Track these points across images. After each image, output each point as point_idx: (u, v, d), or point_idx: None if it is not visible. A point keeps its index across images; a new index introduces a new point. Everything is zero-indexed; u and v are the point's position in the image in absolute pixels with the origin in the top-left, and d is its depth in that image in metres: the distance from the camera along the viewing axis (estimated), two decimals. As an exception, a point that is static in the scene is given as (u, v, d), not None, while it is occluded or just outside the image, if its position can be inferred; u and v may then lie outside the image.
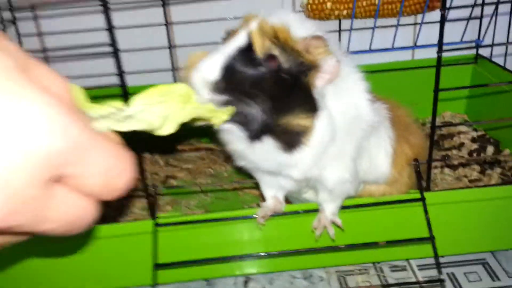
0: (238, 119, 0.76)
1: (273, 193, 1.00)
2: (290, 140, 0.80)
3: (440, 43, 0.85)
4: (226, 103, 0.74)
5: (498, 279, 1.07)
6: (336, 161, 0.87)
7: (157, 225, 0.94)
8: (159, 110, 0.50)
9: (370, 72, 1.56)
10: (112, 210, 1.27)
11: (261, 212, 0.97)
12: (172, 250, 0.99)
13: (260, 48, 0.76)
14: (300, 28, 0.80)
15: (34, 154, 0.32)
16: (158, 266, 0.92)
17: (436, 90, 0.89)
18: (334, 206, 0.97)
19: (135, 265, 1.02)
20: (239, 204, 1.32)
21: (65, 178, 0.35)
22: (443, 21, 0.84)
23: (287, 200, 1.06)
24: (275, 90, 0.77)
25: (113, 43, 0.85)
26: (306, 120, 0.78)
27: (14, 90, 0.31)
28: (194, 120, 0.67)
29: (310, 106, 0.79)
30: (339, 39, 1.56)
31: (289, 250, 0.96)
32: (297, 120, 0.78)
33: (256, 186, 1.06)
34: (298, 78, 0.78)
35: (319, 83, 0.79)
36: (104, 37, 0.90)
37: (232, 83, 0.75)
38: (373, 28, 1.48)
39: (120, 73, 0.86)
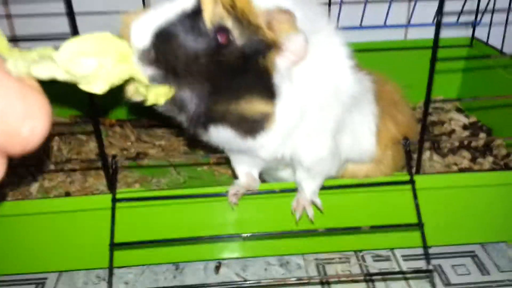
0: (174, 102, 0.65)
1: (246, 170, 0.90)
2: (249, 127, 0.71)
3: (440, 5, 0.76)
4: (158, 79, 0.63)
5: (488, 273, 1.00)
6: (311, 137, 0.78)
7: (116, 200, 0.84)
8: (90, 64, 0.45)
9: (360, 50, 1.49)
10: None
11: (233, 189, 0.87)
12: (133, 230, 0.90)
13: (210, 15, 0.64)
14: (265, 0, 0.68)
15: None
16: (115, 246, 0.82)
17: (433, 60, 0.80)
18: (313, 185, 0.87)
19: (93, 245, 0.93)
20: (213, 185, 1.23)
21: None
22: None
23: (262, 180, 0.96)
24: (222, 71, 0.65)
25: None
26: (265, 106, 0.69)
27: None
28: (132, 92, 0.60)
29: (269, 91, 0.69)
30: (328, 13, 1.46)
31: (263, 232, 0.87)
32: (253, 107, 0.68)
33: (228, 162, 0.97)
34: (254, 59, 0.67)
35: (282, 64, 0.69)
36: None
37: (165, 55, 0.63)
38: (365, 2, 1.39)
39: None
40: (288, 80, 0.70)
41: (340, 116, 0.79)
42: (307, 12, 0.73)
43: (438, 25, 0.78)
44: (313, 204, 0.88)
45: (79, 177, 1.24)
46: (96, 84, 0.45)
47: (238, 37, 0.65)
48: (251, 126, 0.71)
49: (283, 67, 0.69)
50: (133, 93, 0.66)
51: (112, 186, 0.86)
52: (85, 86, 0.45)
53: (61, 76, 0.42)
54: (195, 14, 0.64)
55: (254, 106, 0.68)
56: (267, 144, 0.75)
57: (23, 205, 0.89)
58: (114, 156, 0.88)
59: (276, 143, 0.75)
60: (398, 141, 0.95)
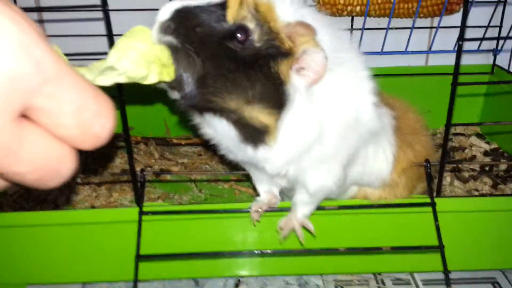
0: (175, 79, 0.66)
1: (267, 188, 0.92)
2: (251, 134, 0.71)
3: (461, 32, 0.78)
4: (170, 48, 0.64)
5: (509, 300, 0.99)
6: (322, 165, 0.77)
7: (143, 213, 0.87)
8: (134, 55, 0.50)
9: (381, 75, 1.51)
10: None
11: (255, 206, 0.89)
12: (158, 242, 0.92)
13: (233, 13, 0.66)
14: (288, 12, 0.69)
15: None
16: (141, 258, 0.85)
17: (454, 84, 0.82)
18: (308, 209, 0.88)
19: (117, 257, 0.95)
20: (234, 202, 1.25)
21: (35, 112, 0.32)
22: (466, 7, 0.77)
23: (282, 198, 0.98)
24: (231, 65, 0.66)
25: (108, 24, 0.79)
26: (266, 118, 0.69)
27: None
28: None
29: (276, 101, 0.68)
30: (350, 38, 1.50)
31: (283, 249, 0.88)
32: (254, 114, 0.68)
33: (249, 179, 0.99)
34: (267, 64, 0.67)
35: (301, 81, 0.69)
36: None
37: (182, 27, 0.65)
38: (387, 28, 1.42)
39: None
40: (305, 98, 0.70)
41: (355, 148, 0.80)
42: (335, 39, 0.74)
43: (460, 50, 0.79)
44: (304, 226, 0.89)
45: (104, 192, 1.27)
46: (151, 76, 0.51)
47: (256, 39, 0.67)
48: (252, 134, 0.71)
49: (302, 83, 0.70)
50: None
51: (139, 199, 0.89)
52: (143, 81, 0.50)
53: (121, 79, 0.46)
54: (220, 7, 0.66)
55: (255, 113, 0.68)
56: (271, 159, 0.74)
57: (51, 215, 0.93)
58: (142, 170, 0.90)
59: (280, 161, 0.75)
60: (414, 168, 0.96)
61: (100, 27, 0.92)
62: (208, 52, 0.65)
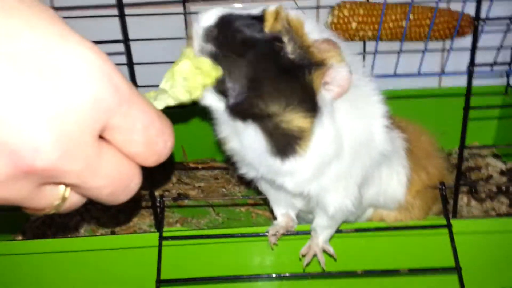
0: (219, 86, 0.69)
1: (284, 211, 0.94)
2: (283, 143, 0.73)
3: (472, 58, 0.80)
4: (214, 56, 0.68)
5: (529, 322, 0.99)
6: (339, 183, 0.80)
7: (163, 238, 0.89)
8: (182, 82, 0.57)
9: (394, 98, 1.53)
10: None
11: (272, 229, 0.91)
12: (177, 267, 0.94)
13: (270, 25, 0.71)
14: (315, 30, 0.75)
15: (85, 97, 0.32)
16: (161, 282, 0.87)
17: (467, 107, 0.83)
18: (327, 233, 0.90)
19: (137, 282, 0.97)
20: (252, 226, 1.26)
21: (111, 131, 0.35)
22: (476, 33, 0.79)
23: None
24: (272, 70, 0.70)
25: (128, 55, 0.83)
26: (303, 120, 0.72)
27: (60, 35, 0.32)
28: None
29: (310, 106, 0.72)
30: (363, 62, 1.52)
31: (301, 273, 0.89)
32: (292, 116, 0.71)
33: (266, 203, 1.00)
34: (301, 72, 0.72)
35: (327, 94, 0.73)
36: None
37: (225, 35, 0.69)
38: (399, 52, 1.44)
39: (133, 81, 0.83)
40: (330, 111, 0.74)
41: (368, 167, 0.82)
42: (352, 62, 0.77)
43: (470, 75, 0.81)
44: (325, 251, 0.90)
45: (123, 217, 1.30)
46: (194, 94, 0.57)
47: (290, 51, 0.71)
48: (285, 142, 0.73)
49: (328, 97, 0.73)
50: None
51: (159, 224, 0.91)
52: (187, 101, 0.56)
53: (171, 102, 0.51)
54: (259, 19, 0.71)
55: (293, 116, 0.71)
56: (296, 173, 0.76)
57: (74, 242, 0.95)
58: (161, 196, 0.93)
59: (305, 175, 0.77)
60: (429, 190, 0.97)
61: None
62: (251, 58, 0.69)
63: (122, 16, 0.80)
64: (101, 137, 0.35)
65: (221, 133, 0.81)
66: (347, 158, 0.77)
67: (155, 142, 0.38)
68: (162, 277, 0.87)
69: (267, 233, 0.91)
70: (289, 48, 0.71)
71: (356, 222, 0.96)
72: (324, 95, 0.73)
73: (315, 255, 0.90)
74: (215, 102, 0.73)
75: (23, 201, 0.35)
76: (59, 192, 0.37)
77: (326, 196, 0.81)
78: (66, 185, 0.36)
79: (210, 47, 0.69)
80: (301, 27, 0.73)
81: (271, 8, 0.72)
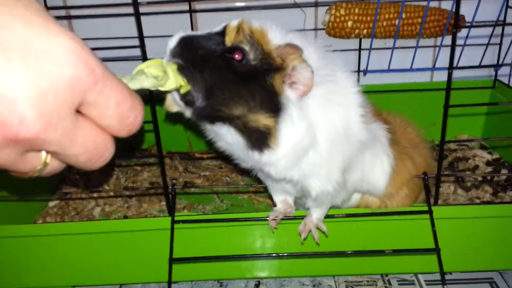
0: (186, 95, 0.78)
1: (282, 198, 1.04)
2: (256, 139, 0.81)
3: (451, 61, 0.89)
4: (179, 69, 0.76)
5: (505, 299, 1.09)
6: (321, 170, 0.87)
7: (175, 221, 0.99)
8: (154, 68, 0.64)
9: (389, 91, 1.62)
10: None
11: (272, 215, 1.01)
12: (187, 248, 1.04)
13: (230, 39, 0.79)
14: (280, 37, 0.82)
15: (63, 78, 0.38)
16: (174, 260, 0.97)
17: (446, 106, 0.93)
18: (320, 212, 0.99)
19: (151, 261, 1.08)
20: (254, 211, 1.36)
21: (87, 106, 0.41)
22: (454, 41, 0.88)
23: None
24: (232, 78, 0.78)
25: (143, 47, 0.91)
26: (267, 120, 0.79)
27: (43, 25, 0.38)
28: (169, 104, 0.82)
29: (272, 107, 0.79)
30: (359, 58, 1.61)
31: (297, 252, 1.00)
32: (256, 117, 0.79)
33: (266, 190, 1.10)
34: (262, 77, 0.79)
35: (293, 93, 0.80)
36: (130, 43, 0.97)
37: (187, 51, 0.77)
38: (392, 48, 1.53)
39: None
40: (298, 108, 0.81)
41: (349, 155, 0.89)
42: (322, 58, 0.85)
43: (450, 77, 0.90)
44: (318, 228, 1.00)
45: (135, 203, 1.40)
46: (168, 84, 0.64)
47: (252, 58, 0.79)
48: (257, 138, 0.80)
49: (294, 95, 0.81)
50: (169, 104, 0.83)
51: (171, 209, 1.01)
52: (162, 88, 0.63)
53: (147, 84, 0.58)
54: (219, 35, 0.80)
55: (257, 116, 0.79)
56: (276, 163, 0.84)
57: (94, 225, 1.05)
58: (173, 184, 1.03)
59: (284, 165, 0.84)
60: (414, 179, 1.05)
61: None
62: (210, 68, 0.78)
63: (137, 15, 0.88)
64: (78, 112, 0.41)
65: (208, 135, 0.91)
66: (324, 147, 0.84)
67: (127, 116, 0.43)
68: (174, 256, 0.98)
69: (267, 218, 1.01)
70: (251, 56, 0.79)
71: (344, 206, 1.06)
72: (290, 95, 0.81)
73: (310, 232, 1.00)
74: (184, 110, 0.82)
75: (10, 165, 0.41)
76: (41, 158, 0.42)
77: (308, 181, 0.89)
78: (47, 152, 0.42)
79: (175, 60, 0.77)
80: (263, 36, 0.80)
81: (233, 22, 0.81)
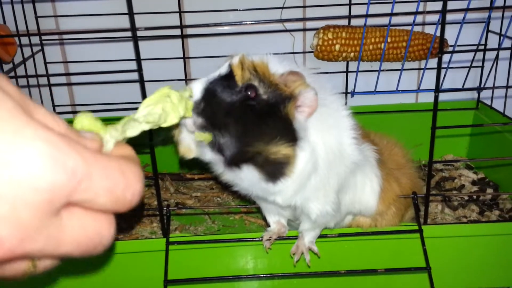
0: (214, 146, 0.82)
1: (276, 219, 1.05)
2: (273, 170, 0.84)
3: (437, 84, 0.93)
4: (203, 128, 0.80)
5: (493, 315, 1.11)
6: (319, 192, 0.90)
7: (169, 243, 1.00)
8: (159, 109, 0.59)
9: (375, 112, 1.66)
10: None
11: (266, 235, 1.02)
12: (182, 268, 1.04)
13: (240, 77, 0.82)
14: (278, 66, 0.86)
15: (38, 188, 0.34)
16: (169, 282, 0.98)
17: (433, 127, 0.96)
18: (312, 234, 1.02)
19: (147, 283, 1.08)
20: (246, 232, 1.37)
21: (74, 203, 0.37)
22: (440, 65, 0.91)
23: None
24: (253, 118, 0.81)
25: (140, 72, 0.93)
26: (287, 149, 0.82)
27: (15, 129, 0.34)
28: (184, 151, 0.82)
29: (291, 135, 0.82)
30: (346, 80, 1.65)
31: (290, 272, 1.01)
32: (278, 149, 0.82)
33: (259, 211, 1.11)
34: (277, 108, 0.82)
35: (300, 116, 0.84)
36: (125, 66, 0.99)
37: (210, 107, 0.81)
38: (379, 71, 1.57)
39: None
40: (304, 132, 0.84)
41: (343, 176, 0.92)
42: (316, 83, 0.88)
43: (436, 100, 0.93)
44: (311, 250, 1.02)
45: (125, 226, 1.40)
46: (170, 118, 0.61)
47: (263, 92, 0.83)
48: (274, 170, 0.83)
49: (302, 118, 0.84)
50: (185, 151, 0.85)
51: (166, 231, 1.02)
52: (164, 124, 0.60)
53: (146, 127, 0.55)
54: (229, 77, 0.83)
55: (278, 148, 0.82)
56: (285, 190, 0.87)
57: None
58: (168, 205, 1.04)
59: (291, 191, 0.87)
60: (402, 198, 1.08)
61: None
62: (234, 119, 0.81)
63: (135, 39, 0.89)
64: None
65: (217, 171, 0.92)
66: (323, 169, 0.88)
67: (123, 198, 0.40)
68: (169, 277, 0.98)
69: (261, 239, 1.02)
70: (261, 90, 0.82)
71: (336, 228, 1.08)
72: (299, 118, 0.84)
73: (302, 254, 1.01)
74: (213, 157, 0.85)
75: None
76: (28, 263, 0.38)
77: (309, 205, 0.92)
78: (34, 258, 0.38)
79: (201, 120, 0.81)
80: (266, 69, 0.84)
81: (235, 60, 0.84)
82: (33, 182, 0.34)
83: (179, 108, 0.63)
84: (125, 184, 0.40)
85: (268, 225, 1.08)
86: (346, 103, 1.62)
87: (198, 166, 1.63)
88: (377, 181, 1.02)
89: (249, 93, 0.82)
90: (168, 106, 0.61)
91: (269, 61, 0.85)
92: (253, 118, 0.82)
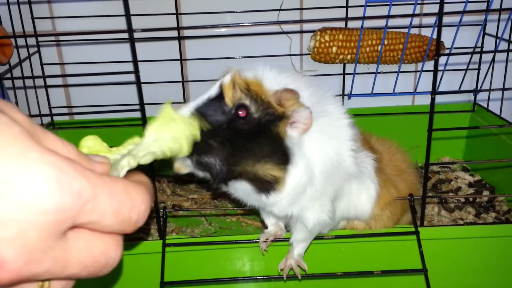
0: (201, 164, 0.81)
1: (274, 221, 1.05)
2: (264, 186, 0.84)
3: (433, 87, 0.93)
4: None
5: (490, 317, 1.11)
6: (316, 202, 0.90)
7: (166, 245, 1.00)
8: (167, 135, 0.58)
9: (372, 115, 1.66)
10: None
11: (263, 236, 1.02)
12: (178, 270, 1.04)
13: (230, 98, 0.81)
14: (274, 82, 0.84)
15: (44, 210, 0.34)
16: (165, 284, 0.97)
17: (430, 130, 0.96)
18: (302, 247, 1.01)
19: (143, 285, 1.07)
20: (242, 234, 1.36)
21: (81, 225, 0.38)
22: (436, 67, 0.92)
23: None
24: (240, 139, 0.81)
25: (137, 73, 0.93)
26: (277, 171, 0.82)
27: (21, 154, 0.34)
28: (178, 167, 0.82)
29: (281, 156, 0.82)
30: (343, 82, 1.65)
31: (287, 274, 1.01)
32: (265, 170, 0.82)
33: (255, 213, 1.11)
34: (267, 128, 0.81)
35: (294, 132, 0.83)
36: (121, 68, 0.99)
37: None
38: (376, 73, 1.57)
39: (141, 104, 0.94)
40: (298, 147, 0.84)
41: (339, 186, 0.92)
42: (314, 94, 0.88)
43: (433, 102, 0.94)
44: (299, 265, 1.01)
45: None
46: (183, 150, 0.60)
47: (254, 111, 0.81)
48: (265, 186, 0.84)
49: (295, 135, 0.83)
50: (179, 167, 0.85)
51: (162, 233, 1.02)
52: (179, 155, 0.59)
53: (155, 157, 0.54)
54: (219, 98, 0.82)
55: (266, 169, 0.82)
56: (279, 203, 0.87)
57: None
58: (165, 207, 1.04)
59: (286, 203, 0.87)
60: (398, 204, 1.08)
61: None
62: (223, 138, 0.80)
63: (132, 41, 0.89)
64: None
65: (212, 185, 0.91)
66: (320, 180, 0.87)
67: (128, 218, 0.40)
68: (166, 279, 0.98)
69: (258, 240, 1.02)
70: (252, 109, 0.81)
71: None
72: (291, 134, 0.83)
73: (291, 268, 1.01)
74: (203, 174, 0.85)
75: None
76: (38, 285, 0.39)
77: (305, 214, 0.92)
78: (42, 280, 0.38)
79: None
80: (260, 86, 0.82)
81: (226, 79, 0.83)
82: (40, 205, 0.34)
83: (187, 136, 0.62)
84: (131, 204, 0.40)
85: (265, 227, 1.07)
86: (343, 105, 1.65)
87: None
88: (374, 187, 1.02)
89: (239, 112, 0.81)
90: (179, 134, 0.60)
91: (264, 78, 0.84)
92: (240, 138, 0.81)
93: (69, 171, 0.36)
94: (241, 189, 0.87)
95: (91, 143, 0.50)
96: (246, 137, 0.81)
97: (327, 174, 0.87)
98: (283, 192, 0.84)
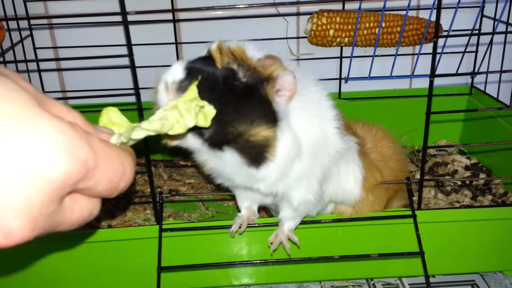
0: (193, 128, 0.79)
1: (247, 204, 1.05)
2: (255, 153, 0.84)
3: (432, 69, 0.92)
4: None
5: (486, 300, 1.12)
6: (302, 181, 0.91)
7: (163, 230, 0.99)
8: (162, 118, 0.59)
9: (369, 98, 1.65)
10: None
11: (238, 220, 1.02)
12: (175, 255, 1.04)
13: (219, 60, 0.82)
14: (256, 52, 0.86)
15: (52, 178, 0.36)
16: (162, 269, 0.97)
17: (428, 113, 0.95)
18: (292, 223, 1.01)
19: (140, 270, 1.07)
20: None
21: (77, 190, 0.40)
22: (435, 49, 0.91)
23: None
24: (233, 99, 0.81)
25: (131, 57, 0.92)
26: (267, 131, 0.82)
27: (29, 120, 0.35)
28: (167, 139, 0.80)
29: (270, 117, 0.83)
30: (340, 66, 1.64)
31: (285, 258, 1.01)
32: (257, 130, 0.82)
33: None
34: (256, 90, 0.82)
35: (280, 99, 0.84)
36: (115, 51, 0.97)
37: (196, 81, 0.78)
38: (373, 56, 1.56)
39: (136, 88, 0.93)
40: (286, 117, 0.85)
41: (327, 165, 0.93)
42: (297, 73, 0.87)
43: (431, 85, 0.93)
44: (290, 239, 1.01)
45: (118, 212, 1.39)
46: (175, 129, 0.60)
47: (242, 75, 0.82)
48: (257, 154, 0.83)
49: (282, 101, 0.84)
50: (167, 139, 0.84)
51: (159, 217, 1.01)
52: (170, 132, 0.59)
53: (152, 133, 0.55)
54: (209, 59, 0.83)
55: (257, 129, 0.82)
56: (267, 178, 0.87)
57: (82, 234, 1.04)
58: (161, 192, 1.03)
59: (274, 178, 0.87)
60: (382, 189, 1.09)
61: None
62: (218, 96, 0.80)
63: (125, 23, 0.88)
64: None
65: (199, 159, 0.92)
66: (307, 157, 0.88)
67: (117, 185, 0.43)
68: (163, 264, 0.98)
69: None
70: (240, 74, 0.82)
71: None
72: (278, 102, 0.84)
73: (281, 243, 1.01)
74: (193, 141, 0.84)
75: None
76: None
77: (291, 192, 0.92)
78: None
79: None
80: (243, 53, 0.84)
81: (213, 45, 0.84)
82: (47, 173, 0.35)
83: (186, 119, 0.62)
84: (121, 172, 0.43)
85: (239, 211, 1.07)
86: (340, 89, 1.64)
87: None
88: (359, 170, 1.02)
89: (228, 75, 0.82)
90: (173, 116, 0.61)
91: (246, 47, 0.85)
92: (233, 98, 0.81)
93: (76, 139, 0.37)
94: (231, 161, 0.85)
95: (112, 114, 0.52)
96: (238, 98, 0.81)
97: (314, 152, 0.88)
98: (274, 162, 0.84)
